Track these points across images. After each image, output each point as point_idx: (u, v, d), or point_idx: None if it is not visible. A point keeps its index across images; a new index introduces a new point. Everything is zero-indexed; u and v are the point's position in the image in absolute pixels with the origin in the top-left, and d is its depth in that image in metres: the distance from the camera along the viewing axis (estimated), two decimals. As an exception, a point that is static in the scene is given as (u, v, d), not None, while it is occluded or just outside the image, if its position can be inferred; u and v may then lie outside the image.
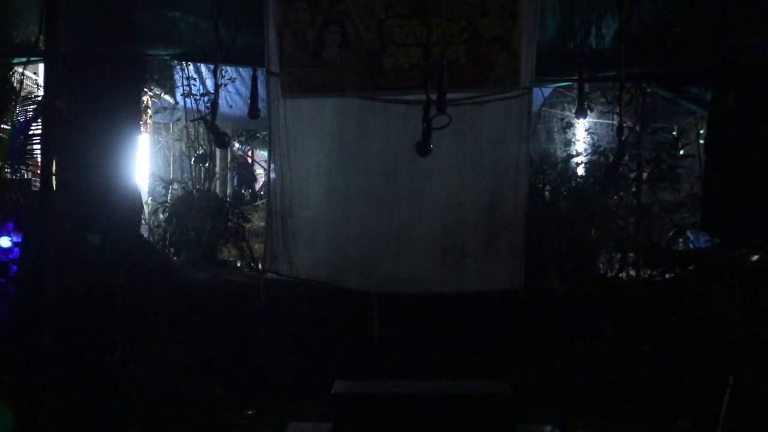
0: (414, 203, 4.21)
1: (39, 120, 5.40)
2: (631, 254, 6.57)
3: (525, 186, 4.06)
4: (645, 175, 6.66)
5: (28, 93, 6.64)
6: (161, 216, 8.79)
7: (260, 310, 6.26)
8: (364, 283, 4.38)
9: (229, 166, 12.92)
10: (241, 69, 7.67)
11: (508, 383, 3.25)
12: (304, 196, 4.24)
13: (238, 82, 8.05)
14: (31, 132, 5.82)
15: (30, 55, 5.30)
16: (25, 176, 5.98)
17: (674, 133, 8.52)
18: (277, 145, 4.12)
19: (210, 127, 4.02)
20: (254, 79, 4.07)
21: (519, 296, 4.14)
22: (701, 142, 7.94)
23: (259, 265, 7.62)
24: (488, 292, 4.40)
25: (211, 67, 5.03)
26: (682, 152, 7.42)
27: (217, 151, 9.86)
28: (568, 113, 8.66)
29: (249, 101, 4.01)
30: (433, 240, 4.23)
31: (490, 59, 3.58)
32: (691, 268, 6.47)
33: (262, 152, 16.92)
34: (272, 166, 4.25)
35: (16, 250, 4.67)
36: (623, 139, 3.92)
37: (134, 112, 4.53)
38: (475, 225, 4.16)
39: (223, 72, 7.53)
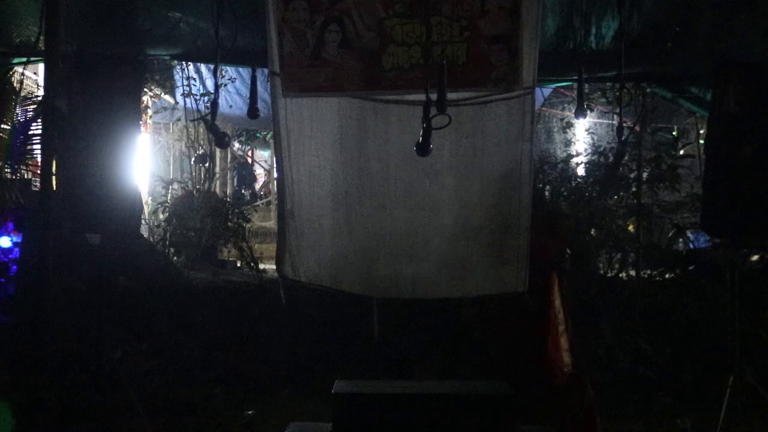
0: (415, 205, 4.18)
1: (39, 120, 5.41)
2: (631, 254, 6.57)
3: (528, 187, 4.02)
4: (645, 175, 6.66)
5: (28, 93, 6.65)
6: (161, 216, 8.80)
7: (260, 310, 6.27)
8: (366, 287, 4.35)
9: (229, 166, 12.93)
10: (241, 69, 7.68)
11: (508, 383, 3.25)
12: (304, 198, 4.22)
13: (238, 82, 8.05)
14: (31, 132, 5.82)
15: (30, 55, 5.30)
16: (25, 176, 5.99)
17: (674, 133, 8.53)
18: (280, 146, 4.11)
19: (210, 127, 4.01)
20: (254, 79, 4.06)
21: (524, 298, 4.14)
22: (701, 142, 7.94)
23: (259, 265, 7.66)
24: (492, 296, 4.38)
25: (211, 67, 5.02)
26: (682, 152, 7.42)
27: (217, 151, 9.86)
28: (568, 113, 8.66)
29: (249, 101, 4.00)
30: (435, 242, 4.19)
31: (491, 58, 3.57)
32: (691, 268, 6.47)
33: (262, 152, 16.93)
34: (277, 167, 4.24)
35: (16, 250, 4.67)
36: (623, 139, 3.91)
37: (134, 112, 4.52)
38: (477, 227, 4.12)
39: (223, 72, 7.55)
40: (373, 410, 2.93)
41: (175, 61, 7.66)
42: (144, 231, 7.96)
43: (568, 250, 4.46)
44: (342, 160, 4.15)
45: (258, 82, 4.13)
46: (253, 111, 3.97)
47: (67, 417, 4.46)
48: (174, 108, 9.70)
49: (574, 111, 4.14)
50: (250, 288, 7.02)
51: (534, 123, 3.99)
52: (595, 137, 7.99)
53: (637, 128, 6.51)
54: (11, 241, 4.66)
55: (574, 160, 7.38)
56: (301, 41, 3.67)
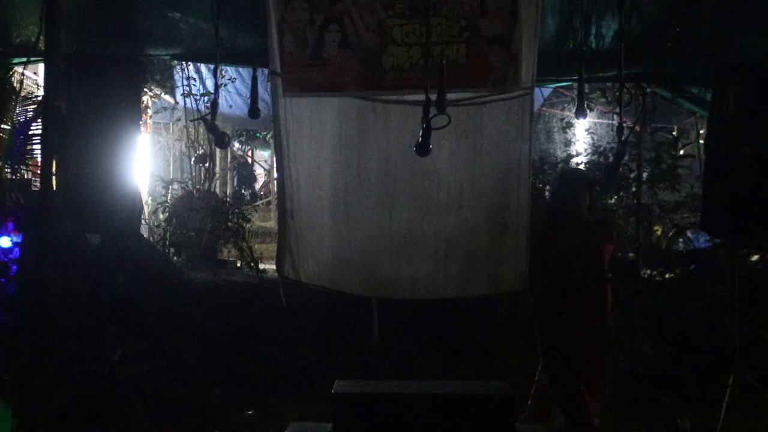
0: (415, 206, 4.18)
1: (39, 120, 5.41)
2: (631, 254, 6.56)
3: (527, 187, 4.04)
4: (645, 175, 6.65)
5: (28, 93, 6.65)
6: (161, 216, 8.80)
7: (260, 310, 6.27)
8: (366, 287, 4.36)
9: (229, 166, 12.93)
10: (241, 69, 7.68)
11: (508, 383, 3.25)
12: (304, 198, 4.22)
13: (238, 82, 8.06)
14: (31, 132, 5.83)
15: (30, 55, 5.30)
16: (25, 176, 5.99)
17: (674, 133, 8.53)
18: (280, 146, 4.11)
19: (210, 127, 4.02)
20: (254, 79, 4.07)
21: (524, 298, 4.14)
22: (701, 142, 7.94)
23: (259, 266, 7.66)
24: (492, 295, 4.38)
25: (211, 67, 5.02)
26: (682, 152, 7.41)
27: (217, 151, 9.87)
28: (568, 113, 8.66)
29: (249, 101, 4.01)
30: (435, 243, 4.19)
31: (490, 59, 3.58)
32: (691, 268, 6.47)
33: (262, 152, 16.94)
34: (277, 166, 4.25)
35: (16, 250, 4.67)
36: (623, 139, 3.90)
37: (134, 112, 4.52)
38: (477, 227, 4.13)
39: (223, 72, 7.54)
40: (373, 410, 2.93)
41: (175, 61, 7.67)
42: (144, 231, 7.96)
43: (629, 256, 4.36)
44: (342, 160, 4.16)
45: (258, 82, 4.14)
46: (253, 111, 3.97)
47: (67, 417, 4.46)
48: (174, 108, 9.70)
49: (574, 111, 4.14)
50: (250, 288, 7.02)
51: (533, 123, 4.01)
52: (595, 137, 7.98)
53: (637, 128, 6.50)
54: (11, 241, 4.66)
55: (574, 160, 7.37)
56: (301, 41, 3.68)
